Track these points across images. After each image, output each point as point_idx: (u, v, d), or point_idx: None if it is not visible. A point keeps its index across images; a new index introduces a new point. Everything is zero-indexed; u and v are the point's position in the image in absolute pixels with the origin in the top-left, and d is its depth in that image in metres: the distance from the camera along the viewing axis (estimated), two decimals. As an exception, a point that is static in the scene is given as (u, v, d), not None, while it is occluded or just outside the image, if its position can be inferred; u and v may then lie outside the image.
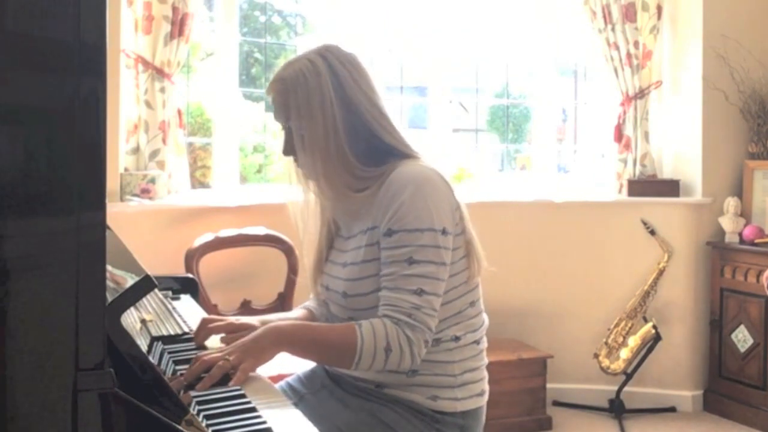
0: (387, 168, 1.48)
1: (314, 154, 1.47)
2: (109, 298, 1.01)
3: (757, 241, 3.44)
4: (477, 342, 1.54)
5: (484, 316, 1.57)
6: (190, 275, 2.19)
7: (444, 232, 1.42)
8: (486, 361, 1.57)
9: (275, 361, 1.41)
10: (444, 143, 3.88)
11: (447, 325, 1.47)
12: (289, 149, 1.52)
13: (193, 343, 1.49)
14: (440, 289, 1.42)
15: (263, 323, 1.57)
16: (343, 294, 1.50)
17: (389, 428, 1.45)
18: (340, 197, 1.51)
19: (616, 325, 3.55)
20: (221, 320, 1.56)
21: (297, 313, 1.69)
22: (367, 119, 1.49)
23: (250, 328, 1.51)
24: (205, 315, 1.84)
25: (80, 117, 0.86)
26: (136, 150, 3.11)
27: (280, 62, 4.06)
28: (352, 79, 1.49)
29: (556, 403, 3.63)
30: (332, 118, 1.45)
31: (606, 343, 3.55)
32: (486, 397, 1.56)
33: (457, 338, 1.49)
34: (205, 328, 1.51)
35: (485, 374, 1.57)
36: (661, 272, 3.58)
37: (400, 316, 1.38)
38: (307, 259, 1.65)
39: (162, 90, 3.09)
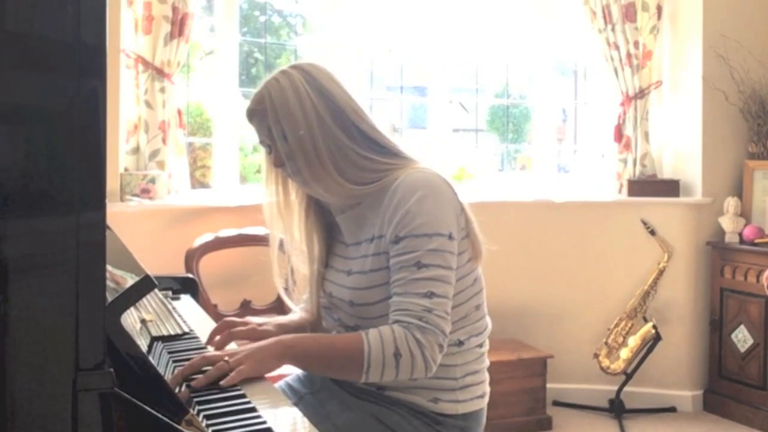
0: (388, 166, 1.47)
1: (300, 151, 1.44)
2: (109, 298, 1.01)
3: (757, 241, 3.44)
4: (480, 345, 1.53)
5: (488, 320, 1.57)
6: (190, 275, 2.19)
7: (450, 237, 1.40)
8: (487, 363, 1.57)
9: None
10: (444, 143, 3.88)
11: (453, 329, 1.46)
12: (278, 159, 1.49)
13: (193, 343, 1.49)
14: (450, 292, 1.40)
15: (278, 326, 1.58)
16: (350, 303, 1.48)
17: (390, 429, 1.45)
18: (338, 192, 1.47)
19: (616, 325, 3.55)
20: (244, 324, 1.53)
21: (297, 315, 1.68)
22: (347, 109, 1.47)
23: (269, 336, 1.51)
24: (206, 315, 1.85)
25: (80, 117, 0.86)
26: (136, 150, 3.11)
27: (280, 62, 4.06)
28: (326, 74, 1.49)
29: (556, 403, 3.63)
30: (312, 109, 1.44)
31: (606, 343, 3.55)
32: (487, 399, 1.56)
33: (461, 342, 1.48)
34: (227, 333, 1.50)
35: (486, 377, 1.56)
36: (661, 272, 3.58)
37: (411, 320, 1.36)
38: (301, 268, 1.62)
39: (162, 90, 3.09)
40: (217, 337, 1.51)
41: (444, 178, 1.47)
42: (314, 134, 1.44)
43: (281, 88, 1.46)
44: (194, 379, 1.28)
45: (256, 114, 1.50)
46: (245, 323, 1.54)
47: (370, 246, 1.46)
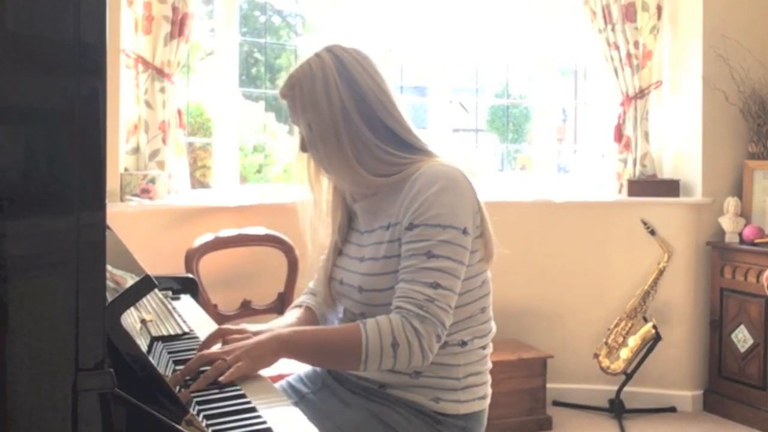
0: (409, 160, 1.48)
1: (322, 141, 1.47)
2: (109, 298, 1.01)
3: (757, 241, 3.44)
4: (483, 347, 1.53)
5: (492, 324, 1.57)
6: (190, 275, 2.19)
7: (465, 231, 1.41)
8: (490, 365, 1.57)
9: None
10: (444, 143, 3.88)
11: (456, 329, 1.46)
12: (304, 145, 1.53)
13: (193, 343, 1.49)
14: (456, 286, 1.41)
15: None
16: (359, 288, 1.49)
17: (390, 428, 1.45)
18: (357, 182, 1.49)
19: (616, 325, 3.55)
20: (239, 332, 1.47)
21: (294, 314, 1.64)
22: (374, 103, 1.48)
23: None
24: (206, 315, 1.84)
25: (80, 117, 0.86)
26: (136, 150, 3.11)
27: (281, 62, 4.06)
28: (359, 64, 1.50)
29: (556, 403, 3.63)
30: (339, 101, 1.46)
31: (606, 343, 3.55)
32: (488, 400, 1.56)
33: (464, 343, 1.48)
34: (224, 340, 1.46)
35: (488, 378, 1.56)
36: (661, 272, 3.58)
37: (411, 308, 1.37)
38: (318, 257, 1.64)
39: (162, 90, 3.08)
40: (216, 346, 1.48)
41: (465, 175, 1.48)
42: (338, 127, 1.46)
43: (312, 76, 1.47)
44: (193, 380, 1.28)
45: (287, 98, 1.53)
46: (241, 331, 1.49)
47: (386, 233, 1.47)
